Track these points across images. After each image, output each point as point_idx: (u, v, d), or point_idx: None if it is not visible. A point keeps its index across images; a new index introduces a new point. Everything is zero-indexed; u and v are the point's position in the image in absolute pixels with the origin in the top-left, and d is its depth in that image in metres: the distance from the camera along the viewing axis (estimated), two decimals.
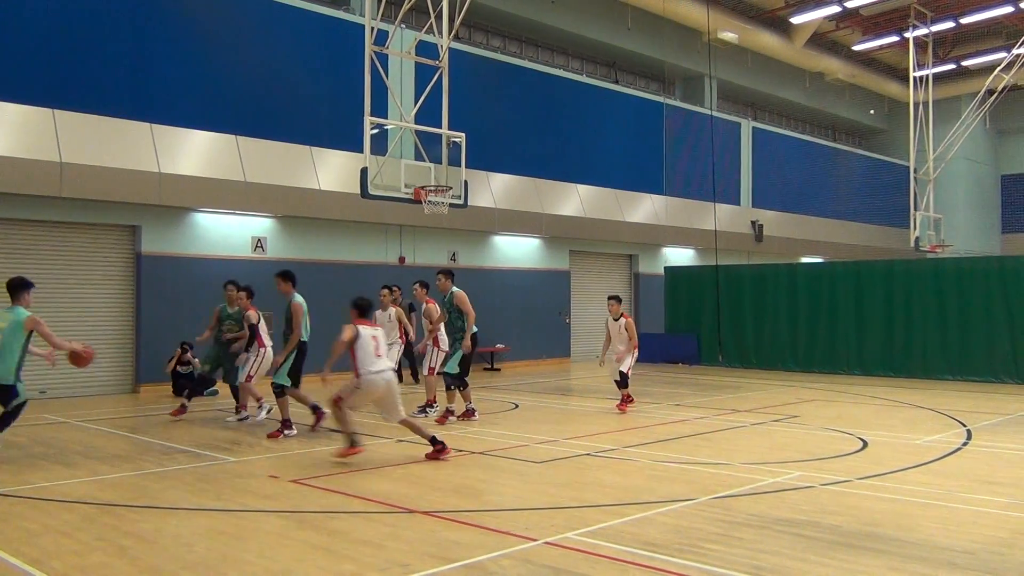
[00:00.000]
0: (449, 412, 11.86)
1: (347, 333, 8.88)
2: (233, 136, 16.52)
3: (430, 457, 8.99)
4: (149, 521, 6.61)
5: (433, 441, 9.06)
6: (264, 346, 12.00)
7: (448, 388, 11.84)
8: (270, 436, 10.61)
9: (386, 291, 13.77)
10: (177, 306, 16.06)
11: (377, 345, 9.00)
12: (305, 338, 10.97)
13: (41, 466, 8.80)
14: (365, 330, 9.01)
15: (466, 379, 11.83)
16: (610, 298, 13.48)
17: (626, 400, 13.08)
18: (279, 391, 10.81)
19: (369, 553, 5.73)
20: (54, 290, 14.87)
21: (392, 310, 13.75)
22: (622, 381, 12.99)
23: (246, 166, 16.50)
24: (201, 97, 16.44)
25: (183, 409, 12.14)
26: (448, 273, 12.09)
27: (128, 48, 15.63)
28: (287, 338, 10.91)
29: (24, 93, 14.23)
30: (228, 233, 16.97)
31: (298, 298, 11.02)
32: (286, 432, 10.68)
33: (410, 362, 17.31)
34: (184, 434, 10.91)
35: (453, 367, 11.74)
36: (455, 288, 11.85)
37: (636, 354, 13.34)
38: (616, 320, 13.26)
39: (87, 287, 15.42)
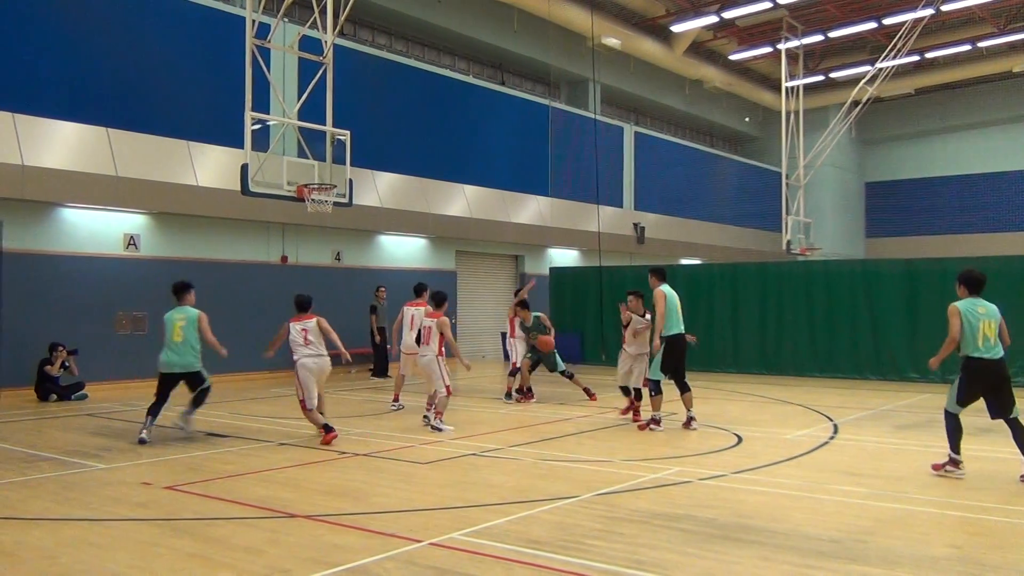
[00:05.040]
0: (655, 420, 11.18)
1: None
2: (104, 128, 15.79)
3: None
4: (8, 533, 6.25)
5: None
6: None
7: (651, 394, 11.24)
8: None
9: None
10: (43, 306, 15.25)
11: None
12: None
13: None
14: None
15: (660, 386, 11.16)
16: (632, 293, 12.16)
17: (637, 410, 11.98)
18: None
19: (248, 559, 5.57)
20: None
21: None
22: (637, 393, 11.95)
23: (118, 160, 15.80)
24: (69, 87, 15.65)
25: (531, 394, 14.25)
26: (655, 271, 11.52)
27: None
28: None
29: None
30: (98, 230, 16.21)
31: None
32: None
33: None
34: (49, 441, 10.37)
35: (654, 372, 11.15)
36: (660, 287, 11.20)
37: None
38: (643, 316, 11.91)
39: None
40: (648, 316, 11.76)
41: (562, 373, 14.21)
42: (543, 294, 24.54)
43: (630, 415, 12.17)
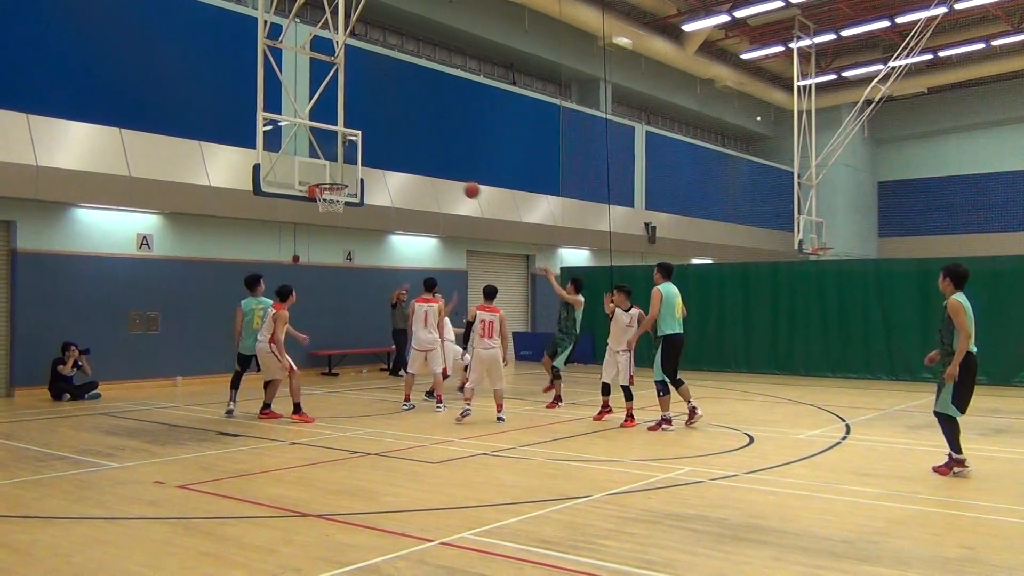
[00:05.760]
0: (666, 420, 11.09)
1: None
2: (117, 129, 15.87)
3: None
4: (25, 532, 6.30)
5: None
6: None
7: (658, 395, 11.15)
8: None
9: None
10: (56, 305, 15.35)
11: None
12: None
13: None
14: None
15: (668, 385, 11.08)
16: (619, 288, 11.89)
17: (629, 413, 11.53)
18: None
19: (260, 558, 5.59)
20: None
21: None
22: (627, 392, 11.58)
23: (131, 160, 15.88)
24: (82, 88, 15.73)
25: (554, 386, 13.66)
26: (660, 267, 11.62)
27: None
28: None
29: None
30: (111, 230, 16.29)
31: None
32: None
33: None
34: (64, 440, 10.44)
35: (657, 373, 11.12)
36: (659, 286, 11.30)
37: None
38: (628, 311, 11.71)
39: None
40: (633, 311, 11.74)
41: (555, 368, 13.69)
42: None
43: (603, 420, 11.89)
